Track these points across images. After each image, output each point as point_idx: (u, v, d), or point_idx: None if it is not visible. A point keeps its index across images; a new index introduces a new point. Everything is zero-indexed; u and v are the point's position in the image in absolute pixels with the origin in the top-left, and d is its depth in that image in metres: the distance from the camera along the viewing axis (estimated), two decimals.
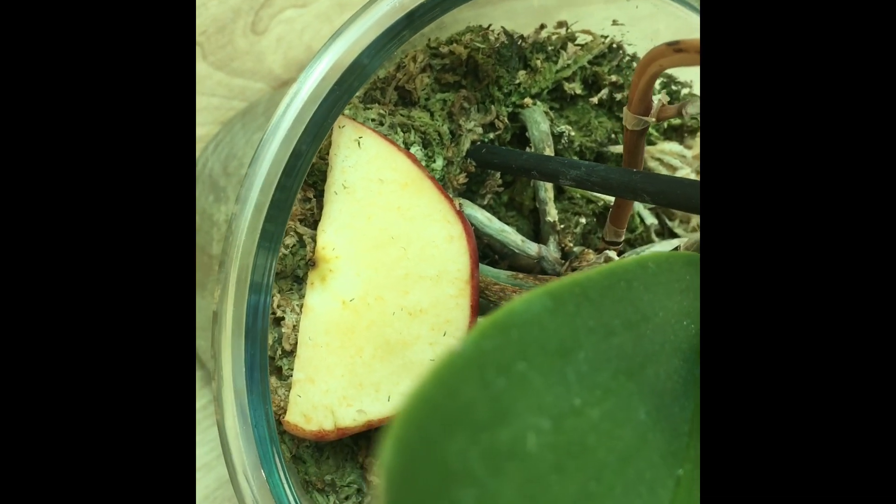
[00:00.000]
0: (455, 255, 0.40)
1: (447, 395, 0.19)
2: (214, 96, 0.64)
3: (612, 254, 0.43)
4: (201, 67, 0.62)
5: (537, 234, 0.49)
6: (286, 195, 0.37)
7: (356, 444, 0.43)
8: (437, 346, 0.39)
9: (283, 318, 0.41)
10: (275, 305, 0.41)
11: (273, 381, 0.40)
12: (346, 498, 0.43)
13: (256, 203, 0.37)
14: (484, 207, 0.45)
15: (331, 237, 0.40)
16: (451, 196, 0.41)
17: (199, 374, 0.62)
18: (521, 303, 0.21)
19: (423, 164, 0.43)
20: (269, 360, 0.41)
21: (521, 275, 0.43)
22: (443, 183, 0.44)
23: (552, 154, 0.45)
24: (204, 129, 0.64)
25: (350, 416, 0.39)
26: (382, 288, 0.39)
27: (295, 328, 0.40)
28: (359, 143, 0.40)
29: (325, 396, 0.39)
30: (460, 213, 0.40)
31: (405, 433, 0.17)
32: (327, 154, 0.41)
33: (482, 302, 0.42)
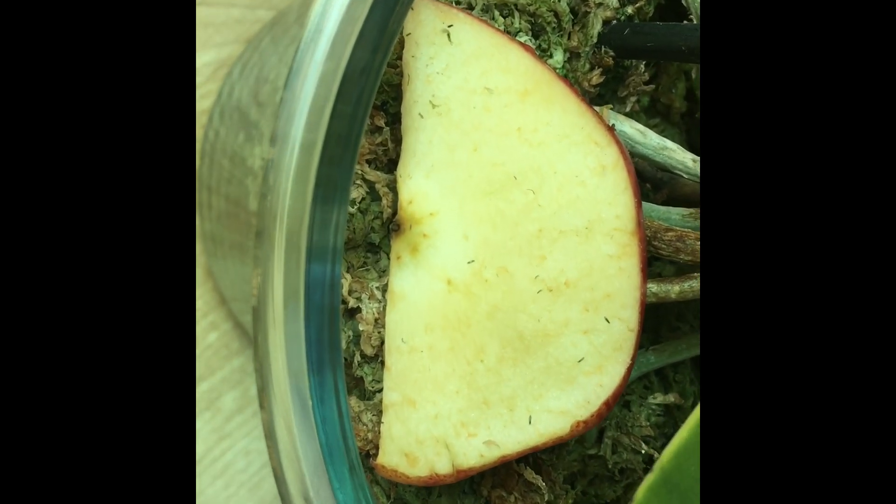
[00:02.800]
0: (611, 193, 0.26)
1: None
2: (234, 6, 0.51)
3: None
4: None
5: (695, 149, 0.35)
6: (348, 125, 0.23)
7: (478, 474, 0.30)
8: (596, 336, 0.26)
9: (358, 309, 0.28)
10: (344, 292, 0.27)
11: (353, 402, 0.27)
12: None
13: (303, 142, 0.23)
14: (627, 116, 0.31)
15: (420, 184, 0.26)
16: (591, 105, 0.27)
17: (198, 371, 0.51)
18: None
19: None
20: (345, 370, 0.28)
21: None
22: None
23: None
24: (224, 49, 0.51)
25: (475, 450, 0.26)
26: (506, 254, 0.26)
27: (378, 323, 0.27)
28: (448, 36, 0.26)
29: (434, 425, 0.26)
30: (612, 130, 0.26)
31: None
32: (399, 59, 0.27)
33: (649, 258, 0.29)
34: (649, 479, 0.23)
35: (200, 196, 0.48)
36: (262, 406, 0.24)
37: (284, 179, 0.23)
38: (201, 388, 0.52)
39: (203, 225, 0.49)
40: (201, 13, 0.49)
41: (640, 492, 0.23)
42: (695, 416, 0.23)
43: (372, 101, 0.24)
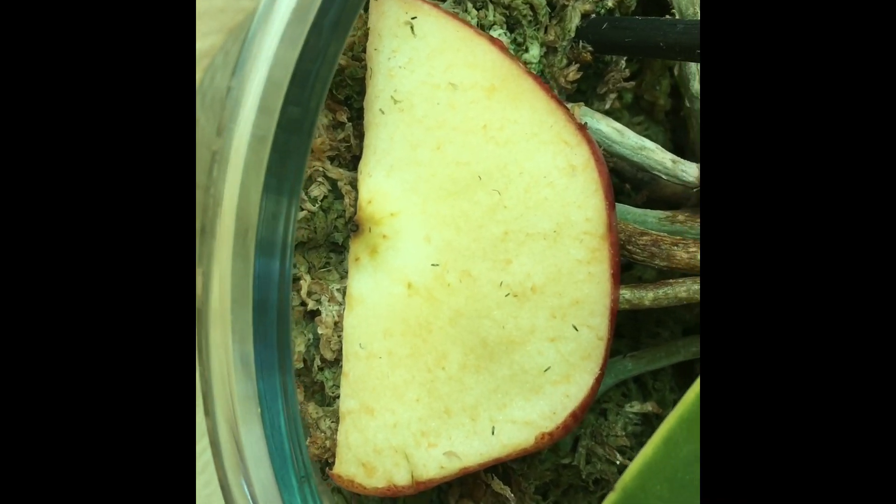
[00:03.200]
0: (581, 195, 0.25)
1: None
2: None
3: None
4: None
5: (680, 148, 0.34)
6: (301, 114, 0.22)
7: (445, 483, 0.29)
8: (563, 344, 0.25)
9: (318, 312, 0.27)
10: (303, 293, 0.26)
11: (311, 409, 0.26)
12: None
13: (254, 130, 0.22)
14: (605, 114, 0.30)
15: (380, 183, 0.25)
16: (562, 101, 0.26)
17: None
18: None
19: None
20: (304, 374, 0.27)
21: (681, 215, 0.27)
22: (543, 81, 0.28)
23: None
24: (208, 39, 0.50)
25: (434, 461, 0.25)
26: (469, 258, 0.25)
27: (338, 326, 0.26)
28: (412, 28, 0.25)
29: (392, 434, 0.25)
30: (583, 129, 0.25)
31: None
32: (363, 52, 0.26)
33: (622, 262, 0.28)
34: (611, 499, 0.22)
35: None
36: (206, 412, 0.23)
37: (232, 171, 0.22)
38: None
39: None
40: None
41: None
42: (660, 433, 0.22)
43: (326, 90, 0.23)
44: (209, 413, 0.23)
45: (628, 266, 0.32)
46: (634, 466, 0.22)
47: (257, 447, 0.23)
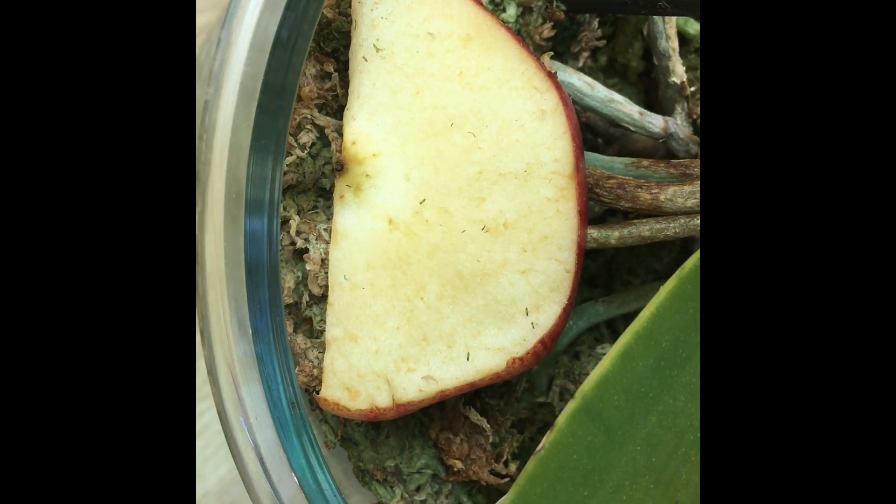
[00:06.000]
0: (550, 137, 0.27)
1: None
2: None
3: None
4: None
5: (651, 108, 0.36)
6: (285, 65, 0.24)
7: (426, 413, 0.31)
8: (533, 276, 0.27)
9: (306, 250, 0.28)
10: (292, 232, 0.28)
11: (299, 340, 0.28)
12: (418, 489, 0.31)
13: (242, 83, 0.24)
14: (580, 72, 0.32)
15: (363, 125, 0.27)
16: (535, 53, 0.28)
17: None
18: None
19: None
20: (293, 310, 0.29)
21: (644, 161, 0.29)
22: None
23: None
24: (204, 16, 0.51)
25: (414, 385, 0.27)
26: (446, 195, 0.27)
27: (324, 263, 0.28)
28: None
29: (375, 360, 0.27)
30: (553, 77, 0.27)
31: None
32: (349, 8, 0.28)
33: (591, 205, 0.29)
34: (571, 407, 0.24)
35: None
36: (203, 345, 0.25)
37: (221, 123, 0.24)
38: None
39: None
40: None
41: (562, 418, 0.24)
42: (617, 348, 0.24)
43: (310, 37, 0.25)
44: (211, 372, 0.25)
45: (602, 218, 0.34)
46: (593, 377, 0.24)
47: (251, 379, 0.25)
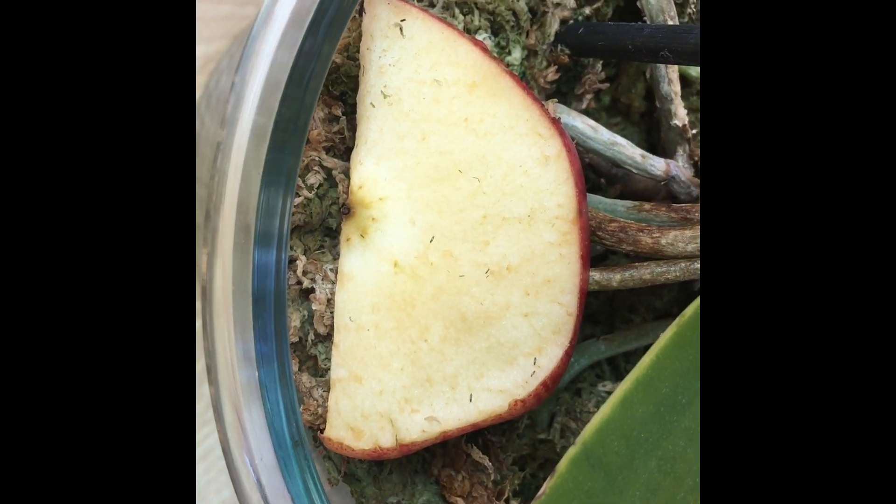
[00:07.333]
0: (553, 183, 0.27)
1: None
2: (224, 3, 0.52)
3: None
4: None
5: (653, 147, 0.36)
6: (296, 110, 0.25)
7: (428, 449, 0.31)
8: (536, 319, 0.27)
9: (312, 290, 0.29)
10: (299, 272, 0.29)
11: (304, 378, 0.29)
12: None
13: (254, 125, 0.24)
14: (583, 113, 0.32)
15: (370, 170, 0.27)
16: (539, 98, 0.28)
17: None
18: None
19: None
20: (298, 348, 0.29)
21: (647, 205, 0.30)
22: (524, 81, 0.31)
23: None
24: (213, 44, 0.52)
25: (417, 425, 0.27)
26: (450, 239, 0.27)
27: (330, 303, 0.28)
28: (401, 30, 0.27)
29: (379, 400, 0.27)
30: (556, 123, 0.27)
31: None
32: (357, 52, 0.28)
33: (593, 248, 0.30)
34: (571, 453, 0.24)
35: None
36: (210, 382, 0.25)
37: (234, 162, 0.25)
38: None
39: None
40: None
41: (563, 463, 0.24)
42: (617, 394, 0.24)
43: (320, 87, 0.25)
44: (216, 407, 0.25)
45: (603, 257, 0.34)
46: (594, 424, 0.24)
47: (256, 416, 0.26)
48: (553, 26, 0.32)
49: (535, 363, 0.27)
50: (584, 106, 0.33)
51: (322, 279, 0.29)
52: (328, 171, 0.29)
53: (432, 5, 0.30)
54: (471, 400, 0.27)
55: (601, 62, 0.33)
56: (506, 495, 0.31)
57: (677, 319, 0.25)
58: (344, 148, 0.29)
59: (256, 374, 0.26)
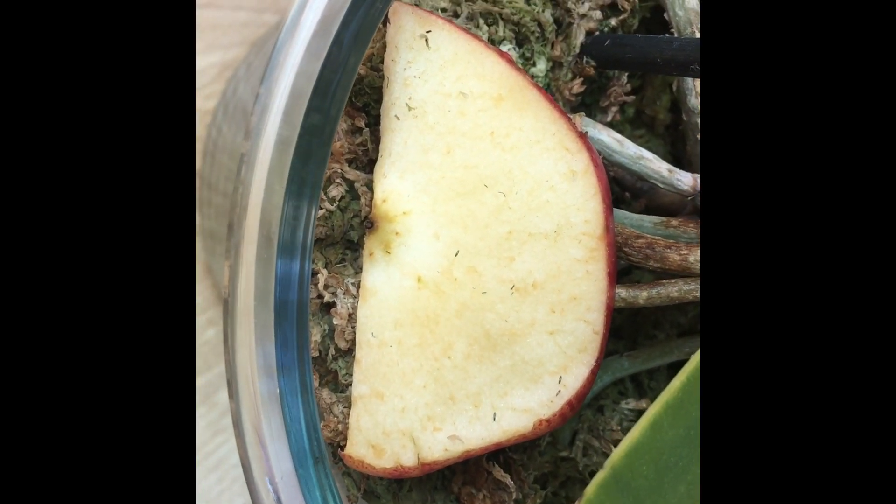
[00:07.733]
0: (580, 199, 0.26)
1: None
2: (241, 10, 0.52)
3: None
4: None
5: (677, 160, 0.36)
6: (322, 121, 0.24)
7: (449, 467, 0.31)
8: (561, 337, 0.26)
9: (333, 304, 0.28)
10: (320, 286, 0.28)
11: (325, 394, 0.28)
12: None
13: (278, 136, 0.24)
14: (608, 126, 0.32)
15: (394, 183, 0.27)
16: (565, 112, 0.28)
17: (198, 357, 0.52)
18: None
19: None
20: (319, 363, 0.29)
21: (674, 220, 0.29)
22: (549, 94, 0.30)
23: None
24: (230, 51, 0.52)
25: (439, 444, 0.27)
26: (475, 255, 0.26)
27: (352, 318, 0.28)
28: (427, 41, 0.27)
29: (401, 418, 0.27)
30: (583, 137, 0.27)
31: None
32: (381, 63, 0.28)
33: (619, 263, 0.29)
34: (600, 477, 0.23)
35: (201, 193, 0.49)
36: (230, 396, 0.25)
37: (258, 173, 0.24)
38: (198, 383, 0.53)
39: (203, 222, 0.50)
40: (208, 15, 0.50)
41: (591, 488, 0.24)
42: (647, 417, 0.24)
43: (346, 98, 0.25)
44: (232, 397, 0.25)
45: (627, 271, 0.34)
46: (622, 448, 0.24)
47: (278, 435, 0.25)
48: (578, 38, 0.31)
49: (560, 382, 0.27)
50: (609, 118, 0.33)
51: (343, 293, 0.28)
52: (350, 184, 0.29)
53: (456, 15, 0.30)
54: (494, 419, 0.27)
55: (626, 74, 0.33)
56: None
57: None
58: (367, 160, 0.29)
59: (277, 386, 0.26)
